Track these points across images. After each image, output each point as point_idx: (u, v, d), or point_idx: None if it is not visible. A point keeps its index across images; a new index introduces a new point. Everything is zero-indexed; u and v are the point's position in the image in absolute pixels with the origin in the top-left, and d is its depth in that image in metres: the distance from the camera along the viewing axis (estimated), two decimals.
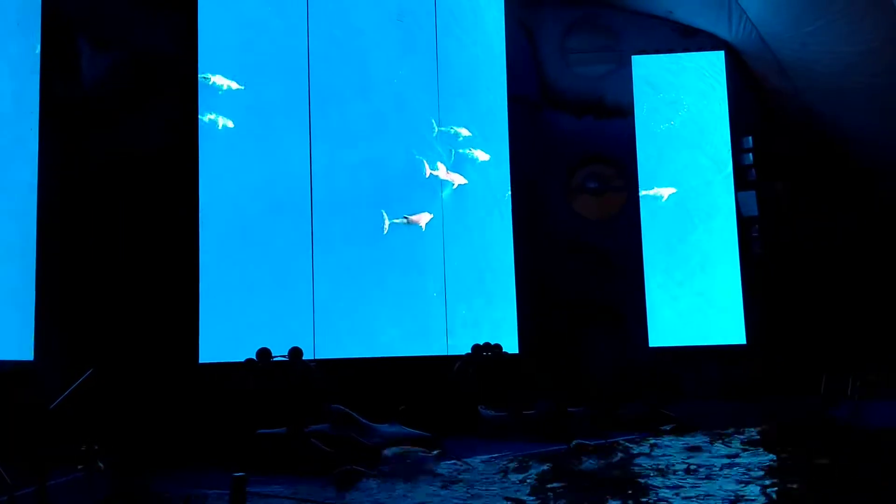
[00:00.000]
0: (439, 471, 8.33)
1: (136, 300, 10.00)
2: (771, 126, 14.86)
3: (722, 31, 14.47)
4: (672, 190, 14.77)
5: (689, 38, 14.98)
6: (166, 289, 10.25)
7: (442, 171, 13.33)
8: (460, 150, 13.64)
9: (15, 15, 7.67)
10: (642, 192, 14.77)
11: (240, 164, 11.39)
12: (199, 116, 11.10)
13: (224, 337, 10.81)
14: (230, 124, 11.26)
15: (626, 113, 14.89)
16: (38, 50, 7.98)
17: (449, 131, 13.54)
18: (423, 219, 12.97)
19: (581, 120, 15.16)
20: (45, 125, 7.95)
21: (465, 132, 13.69)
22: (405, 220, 12.71)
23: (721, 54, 14.73)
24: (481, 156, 13.86)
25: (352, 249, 12.08)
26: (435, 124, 13.38)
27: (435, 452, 8.66)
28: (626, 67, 14.96)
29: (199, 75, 11.15)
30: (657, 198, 14.78)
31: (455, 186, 13.48)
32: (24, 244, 7.71)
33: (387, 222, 12.56)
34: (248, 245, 11.31)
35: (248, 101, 11.57)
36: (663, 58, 14.97)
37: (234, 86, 11.40)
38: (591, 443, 10.01)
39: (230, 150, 11.32)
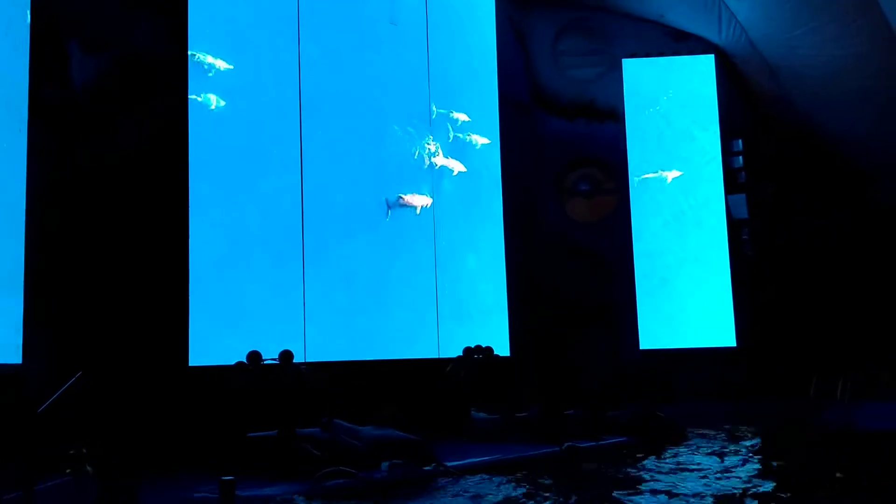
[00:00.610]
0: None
1: (126, 303, 9.93)
2: (761, 129, 14.94)
3: (712, 34, 14.54)
4: (677, 173, 14.77)
5: (679, 42, 15.06)
6: (156, 291, 10.18)
7: (440, 157, 13.11)
8: (459, 135, 13.41)
9: (3, 17, 7.63)
10: (645, 176, 14.80)
11: (229, 167, 11.32)
12: (189, 120, 11.03)
13: (214, 340, 10.74)
14: (222, 103, 11.13)
15: (616, 116, 14.95)
16: (27, 52, 7.94)
17: (447, 114, 13.30)
18: (419, 201, 12.72)
19: (572, 122, 15.21)
20: (33, 127, 7.89)
21: (463, 117, 13.49)
22: (401, 201, 12.47)
23: (711, 58, 14.80)
24: (480, 140, 13.68)
25: (343, 252, 12.03)
26: (434, 108, 13.21)
27: (428, 468, 8.59)
28: (617, 70, 15.02)
29: (188, 78, 11.09)
30: (661, 180, 14.77)
31: (455, 174, 13.30)
32: (13, 247, 7.66)
33: (388, 208, 12.43)
34: (238, 247, 11.24)
35: (240, 102, 11.51)
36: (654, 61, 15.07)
37: (223, 65, 11.26)
38: (583, 445, 10.02)
39: (219, 153, 11.25)
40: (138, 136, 10.29)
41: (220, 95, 11.26)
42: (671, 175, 14.80)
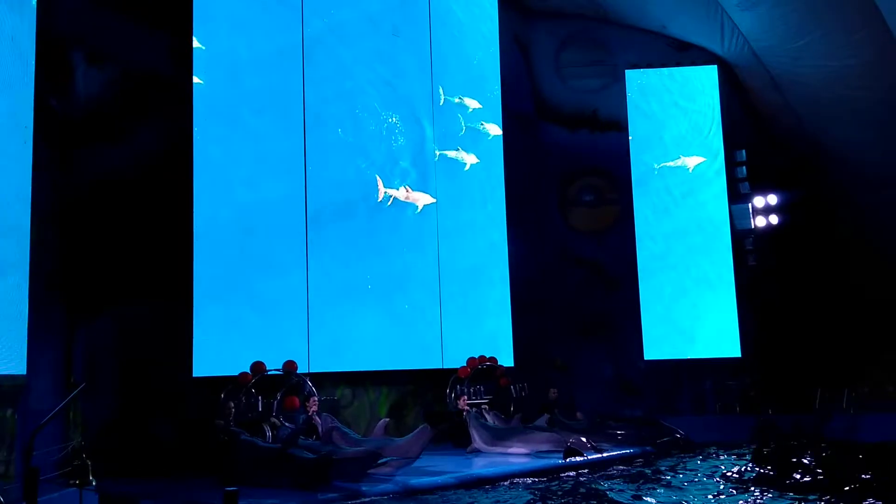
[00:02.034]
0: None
1: (131, 314, 9.96)
2: (764, 139, 14.94)
3: (715, 45, 14.58)
4: (700, 159, 14.69)
5: (682, 53, 15.11)
6: (160, 303, 10.21)
7: (450, 150, 12.84)
8: (471, 125, 13.05)
9: (9, 30, 7.67)
10: (665, 164, 14.74)
11: (234, 177, 11.34)
12: (193, 131, 11.04)
13: (219, 351, 10.73)
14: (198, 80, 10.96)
15: (620, 126, 14.97)
16: (32, 64, 7.98)
17: (455, 101, 12.96)
18: (422, 199, 12.46)
19: (575, 133, 15.24)
20: (39, 140, 7.91)
21: (474, 104, 13.21)
22: (405, 192, 12.08)
23: (714, 69, 14.83)
24: (493, 130, 13.44)
25: (347, 260, 12.01)
26: (442, 92, 12.92)
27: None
28: (620, 81, 15.06)
29: (193, 89, 11.10)
30: (682, 168, 14.71)
31: (467, 167, 13.04)
32: (18, 258, 7.67)
33: (381, 190, 12.01)
34: (243, 258, 11.23)
35: (241, 110, 11.54)
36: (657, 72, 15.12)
37: (195, 44, 11.10)
38: (587, 455, 10.00)
39: (224, 164, 11.26)
40: (143, 148, 10.34)
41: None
42: (693, 162, 14.71)
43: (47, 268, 8.44)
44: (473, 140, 13.40)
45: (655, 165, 14.73)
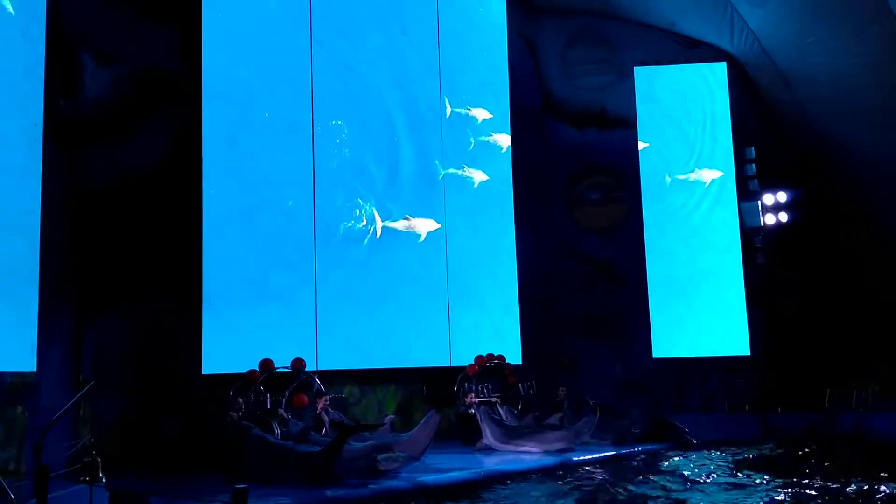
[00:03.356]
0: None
1: (140, 312, 10.02)
2: (773, 136, 14.87)
3: (724, 42, 14.51)
4: (717, 173, 14.62)
5: (691, 50, 15.03)
6: (169, 300, 10.26)
7: (457, 169, 12.63)
8: (480, 138, 12.71)
9: (19, 29, 7.72)
10: (681, 176, 14.69)
11: (242, 176, 11.38)
12: (202, 131, 11.10)
13: (227, 348, 10.79)
14: None
15: (628, 124, 14.92)
16: (41, 64, 8.03)
17: (464, 113, 12.62)
18: (424, 226, 12.39)
19: (583, 131, 15.19)
20: (48, 139, 7.96)
21: (483, 114, 12.85)
22: (407, 222, 11.93)
23: (723, 65, 14.76)
24: (503, 140, 13.14)
25: (355, 260, 12.04)
26: (448, 104, 12.62)
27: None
28: (629, 79, 15.00)
29: (202, 90, 11.15)
30: (698, 182, 14.65)
31: (476, 185, 12.91)
32: (28, 257, 7.73)
33: (379, 224, 11.91)
34: (252, 256, 11.29)
35: (250, 110, 11.59)
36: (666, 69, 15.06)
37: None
38: (596, 453, 10.00)
39: (233, 162, 11.31)
40: (152, 148, 10.39)
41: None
42: (709, 175, 14.64)
43: (56, 266, 8.49)
44: (483, 151, 13.30)
45: (668, 178, 14.66)
